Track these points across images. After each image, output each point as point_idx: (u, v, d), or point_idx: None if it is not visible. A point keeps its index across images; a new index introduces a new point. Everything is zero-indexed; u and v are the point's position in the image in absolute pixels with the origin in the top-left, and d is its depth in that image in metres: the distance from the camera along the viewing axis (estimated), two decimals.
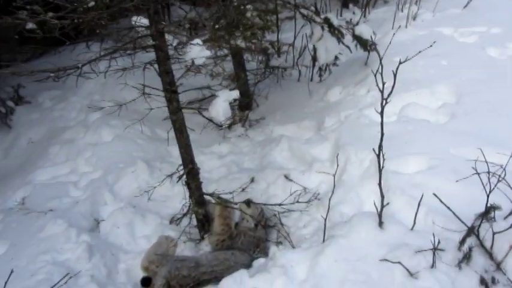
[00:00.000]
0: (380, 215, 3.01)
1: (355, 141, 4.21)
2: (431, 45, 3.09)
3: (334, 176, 3.38)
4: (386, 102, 2.73)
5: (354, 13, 9.10)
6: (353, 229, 3.05)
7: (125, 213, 4.11)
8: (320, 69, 6.00)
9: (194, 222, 3.90)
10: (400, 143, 4.02)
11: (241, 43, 4.87)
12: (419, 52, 3.03)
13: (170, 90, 3.38)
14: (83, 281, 3.27)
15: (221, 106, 3.30)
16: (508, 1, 7.35)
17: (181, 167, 3.69)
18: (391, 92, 2.68)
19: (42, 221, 3.97)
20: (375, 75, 2.73)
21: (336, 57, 5.78)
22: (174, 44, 3.10)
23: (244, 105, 6.06)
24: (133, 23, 3.30)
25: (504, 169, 2.88)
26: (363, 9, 8.92)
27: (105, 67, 3.10)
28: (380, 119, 2.96)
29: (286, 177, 4.20)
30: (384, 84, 2.74)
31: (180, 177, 3.57)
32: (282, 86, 6.46)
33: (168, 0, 7.69)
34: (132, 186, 4.51)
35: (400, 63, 2.61)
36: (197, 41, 2.97)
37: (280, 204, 3.78)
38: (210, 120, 3.46)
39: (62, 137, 5.52)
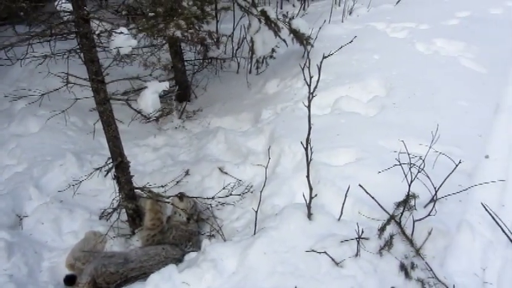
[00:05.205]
0: (309, 207, 3.06)
1: (290, 133, 4.27)
2: (351, 41, 3.18)
3: (265, 169, 3.40)
4: (313, 96, 2.77)
5: (293, 6, 9.21)
6: (283, 221, 3.08)
7: (50, 208, 3.91)
8: (257, 61, 6.01)
9: (124, 217, 3.78)
10: (332, 135, 4.13)
11: (177, 33, 4.75)
12: (341, 47, 3.11)
13: (96, 80, 3.23)
14: None
15: (150, 97, 3.20)
16: None
17: (111, 161, 3.56)
18: (316, 86, 2.71)
19: None
20: (303, 69, 2.75)
21: (273, 50, 5.82)
22: (97, 32, 2.94)
23: (181, 97, 5.95)
24: (57, 7, 3.12)
25: (423, 160, 3.02)
26: (302, 2, 9.04)
27: (22, 54, 2.89)
28: (311, 112, 2.99)
29: (221, 169, 4.17)
30: (311, 78, 2.77)
31: (108, 171, 3.43)
32: (220, 78, 6.42)
33: None
34: (59, 180, 4.30)
35: (324, 57, 2.64)
36: (122, 29, 2.85)
37: (213, 198, 3.75)
38: (139, 112, 3.37)
39: None
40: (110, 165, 3.50)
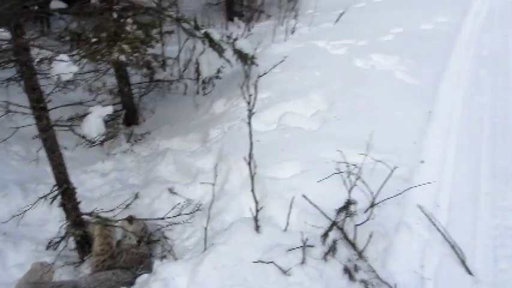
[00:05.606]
0: (256, 220, 3.15)
1: (236, 151, 4.35)
2: (282, 61, 3.35)
3: (213, 186, 3.47)
4: (251, 114, 2.89)
5: (238, 27, 9.44)
6: (231, 236, 3.15)
7: None
8: (204, 82, 6.12)
9: (72, 245, 3.72)
10: (277, 150, 4.27)
11: (121, 57, 4.78)
12: (274, 66, 3.26)
13: (38, 107, 3.22)
14: None
15: (94, 122, 3.22)
16: (371, 16, 8.23)
17: (56, 188, 3.51)
18: (253, 104, 2.84)
19: None
20: (241, 88, 2.88)
21: (219, 71, 5.93)
22: (38, 59, 2.95)
23: (129, 120, 5.94)
24: None
25: (360, 168, 3.20)
26: (247, 23, 9.28)
27: None
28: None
29: (170, 190, 4.21)
30: (250, 96, 2.91)
31: (53, 198, 3.39)
32: (168, 100, 6.47)
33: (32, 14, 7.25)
34: (2, 212, 4.18)
35: (259, 76, 2.79)
36: (62, 56, 2.87)
37: (162, 218, 3.77)
38: (83, 137, 3.37)
39: None
40: (56, 193, 3.45)
